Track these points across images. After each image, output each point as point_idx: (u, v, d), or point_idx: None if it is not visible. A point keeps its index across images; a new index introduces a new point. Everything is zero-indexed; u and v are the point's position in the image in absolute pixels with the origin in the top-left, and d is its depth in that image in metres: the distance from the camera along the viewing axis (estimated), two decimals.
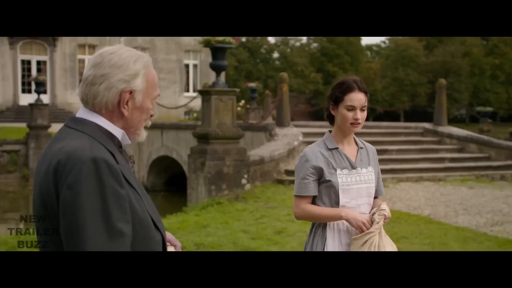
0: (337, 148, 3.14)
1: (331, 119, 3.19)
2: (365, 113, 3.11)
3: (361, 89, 3.07)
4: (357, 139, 3.24)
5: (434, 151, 14.61)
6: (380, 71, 54.55)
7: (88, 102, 1.95)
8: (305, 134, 13.29)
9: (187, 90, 34.05)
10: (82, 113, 1.97)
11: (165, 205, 15.41)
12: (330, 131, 3.23)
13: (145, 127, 2.09)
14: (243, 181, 11.47)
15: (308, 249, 3.18)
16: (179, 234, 8.14)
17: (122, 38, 32.03)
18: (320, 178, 3.10)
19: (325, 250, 3.09)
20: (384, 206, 3.06)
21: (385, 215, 3.03)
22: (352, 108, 3.06)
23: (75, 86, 31.42)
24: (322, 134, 12.27)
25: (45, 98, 29.11)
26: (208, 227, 8.70)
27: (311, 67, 51.74)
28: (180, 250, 2.24)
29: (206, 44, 11.42)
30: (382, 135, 15.15)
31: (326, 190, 3.10)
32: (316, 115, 46.07)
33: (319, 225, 3.16)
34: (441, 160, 14.11)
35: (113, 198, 1.78)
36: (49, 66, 30.96)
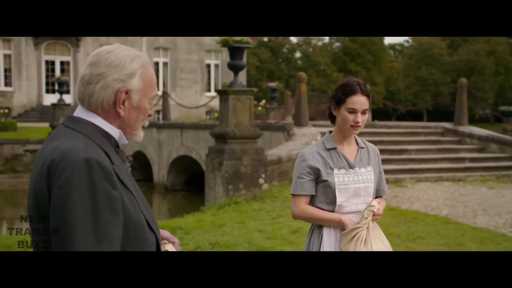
0: (335, 148, 3.16)
1: (333, 119, 3.20)
2: (366, 116, 3.11)
3: (363, 93, 3.07)
4: (358, 139, 3.26)
5: (454, 151, 14.47)
6: (403, 70, 54.14)
7: (85, 101, 1.95)
8: (323, 134, 13.25)
9: (209, 90, 34.17)
10: (79, 112, 1.96)
11: (184, 205, 15.50)
12: (330, 132, 3.25)
13: (143, 127, 2.09)
14: (261, 180, 11.48)
15: (305, 248, 3.23)
16: (195, 233, 8.18)
17: (144, 38, 32.27)
18: (318, 178, 3.13)
19: (321, 249, 3.12)
20: (374, 202, 3.10)
21: (373, 211, 3.06)
22: (353, 111, 3.07)
23: None
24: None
25: (69, 98, 29.48)
26: (224, 226, 8.73)
27: (333, 66, 51.54)
28: (179, 246, 2.22)
29: (224, 44, 11.45)
30: (402, 135, 15.05)
31: (323, 189, 3.13)
32: None
33: (315, 224, 3.21)
34: (461, 160, 13.97)
35: (105, 200, 1.77)
36: (72, 67, 31.30)
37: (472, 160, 14.05)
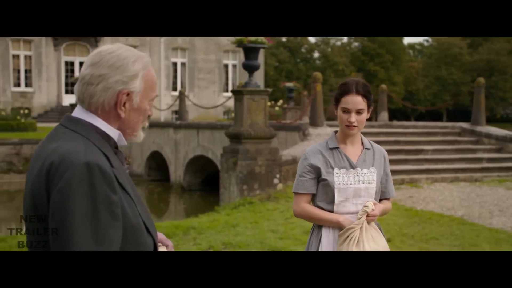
0: (338, 147, 3.17)
1: None
2: (362, 116, 3.10)
3: (359, 92, 3.07)
4: (365, 140, 3.25)
5: (471, 151, 14.33)
6: (422, 70, 53.80)
7: (85, 101, 1.93)
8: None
9: (226, 90, 34.22)
10: (78, 112, 1.95)
11: (200, 205, 15.54)
12: (335, 132, 3.24)
13: (143, 128, 2.07)
14: (275, 181, 11.48)
15: (305, 248, 3.26)
16: (208, 233, 8.20)
17: (163, 39, 32.42)
18: (319, 176, 3.14)
19: (319, 249, 3.14)
20: (368, 203, 3.08)
21: (367, 212, 3.05)
22: (346, 111, 3.08)
23: None
24: None
25: None
26: (238, 226, 8.73)
27: (351, 66, 51.36)
28: (172, 249, 2.22)
29: (239, 44, 11.48)
30: (418, 135, 14.94)
31: (323, 188, 3.14)
32: None
33: (316, 224, 3.22)
34: (479, 160, 13.83)
35: (104, 204, 1.76)
36: None
37: (490, 160, 13.91)
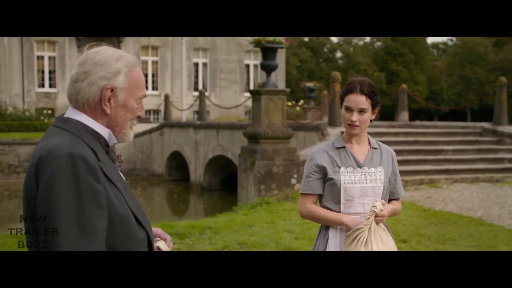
0: (344, 147, 3.15)
1: None
2: (365, 116, 3.07)
3: (362, 92, 3.05)
4: (372, 139, 3.23)
5: (492, 151, 14.16)
6: (446, 69, 53.26)
7: (72, 99, 2.01)
8: None
9: (248, 90, 34.25)
10: (69, 112, 2.02)
11: (220, 204, 15.57)
12: (342, 132, 3.23)
13: (131, 127, 2.11)
14: (293, 181, 11.46)
15: (312, 248, 3.23)
16: (224, 233, 8.21)
17: (184, 39, 32.55)
18: (325, 176, 3.13)
19: (326, 250, 3.12)
20: (376, 203, 3.05)
21: (375, 212, 3.02)
22: (349, 109, 3.07)
23: None
24: (375, 134, 12.04)
25: None
26: (254, 226, 8.74)
27: (374, 66, 51.05)
28: (171, 243, 2.24)
29: (256, 44, 11.48)
30: (438, 135, 14.81)
31: (330, 188, 3.12)
32: (380, 114, 45.46)
33: (323, 225, 3.20)
34: (500, 160, 13.66)
35: (89, 193, 1.81)
36: None
37: (511, 160, 13.72)
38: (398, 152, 13.07)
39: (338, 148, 3.15)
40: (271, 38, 11.19)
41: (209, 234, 8.14)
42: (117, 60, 2.01)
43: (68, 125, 1.97)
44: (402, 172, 12.14)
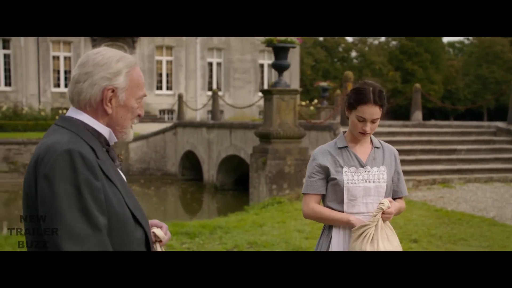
0: (347, 147, 3.15)
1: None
2: (376, 124, 3.07)
3: (376, 103, 3.01)
4: (374, 139, 3.23)
5: (507, 151, 14.01)
6: (463, 68, 52.86)
7: (74, 100, 2.04)
8: None
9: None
10: (70, 112, 2.06)
11: (233, 204, 15.57)
12: (344, 132, 3.23)
13: (131, 126, 2.14)
14: (304, 180, 11.44)
15: (315, 248, 3.23)
16: (235, 233, 8.22)
17: (198, 39, 32.62)
18: (328, 176, 3.12)
19: (329, 249, 3.12)
20: (384, 200, 3.05)
21: (382, 209, 3.01)
22: (362, 120, 3.04)
23: (153, 86, 32.26)
24: (388, 133, 11.99)
25: None
26: (264, 226, 8.74)
27: (389, 65, 50.81)
28: (167, 230, 2.24)
29: (268, 44, 11.48)
30: (452, 135, 14.69)
31: (333, 188, 3.12)
32: (395, 114, 45.22)
33: (327, 225, 3.20)
34: None
35: (87, 188, 1.84)
36: None
37: None
38: (411, 151, 13.02)
39: (340, 148, 3.14)
40: (282, 38, 11.18)
41: (220, 234, 8.15)
42: (118, 61, 2.04)
43: (69, 124, 2.00)
44: (415, 172, 12.08)
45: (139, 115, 2.13)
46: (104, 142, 2.05)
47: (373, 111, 3.01)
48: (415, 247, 7.19)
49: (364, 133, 3.06)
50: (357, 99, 3.03)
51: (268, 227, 8.66)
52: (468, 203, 10.34)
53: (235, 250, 7.27)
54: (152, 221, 2.25)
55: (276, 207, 10.45)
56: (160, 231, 2.19)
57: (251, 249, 7.29)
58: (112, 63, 2.02)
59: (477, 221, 8.81)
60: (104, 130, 2.05)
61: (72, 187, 1.82)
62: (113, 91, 2.01)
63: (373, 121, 3.04)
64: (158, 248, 2.14)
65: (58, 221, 1.80)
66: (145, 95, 2.14)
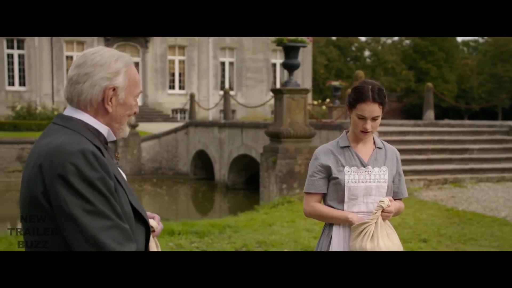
0: (349, 146, 3.15)
1: None
2: (377, 122, 3.07)
3: (375, 100, 3.01)
4: (377, 139, 3.23)
5: None
6: (477, 67, 52.49)
7: (74, 100, 2.05)
8: (381, 133, 13.04)
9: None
10: (69, 111, 2.07)
11: (245, 203, 15.58)
12: (347, 131, 3.22)
13: (128, 123, 2.18)
14: None
15: (315, 248, 3.24)
16: (244, 232, 8.22)
17: (211, 39, 32.69)
18: (329, 176, 3.13)
19: (330, 249, 3.13)
20: (384, 198, 3.05)
21: (382, 207, 3.02)
22: (362, 118, 3.05)
23: (166, 86, 32.37)
24: (399, 133, 11.91)
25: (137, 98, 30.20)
26: (274, 225, 8.74)
27: (402, 64, 50.57)
28: (160, 222, 2.28)
29: (279, 43, 11.48)
30: (464, 134, 14.59)
31: (334, 187, 3.12)
32: (408, 113, 45.03)
33: (327, 224, 3.21)
34: None
35: (104, 187, 1.87)
36: (141, 67, 32.10)
37: None
38: (422, 151, 12.96)
39: (342, 148, 3.15)
40: (293, 37, 11.16)
41: (229, 233, 8.16)
42: (117, 60, 2.06)
43: (71, 124, 2.02)
44: (426, 171, 12.03)
45: (135, 113, 2.16)
46: (104, 141, 2.07)
47: (372, 108, 3.01)
48: (424, 247, 7.16)
49: (365, 132, 3.06)
50: (356, 97, 3.04)
51: (278, 226, 8.66)
52: (479, 202, 10.27)
53: (244, 249, 7.27)
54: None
55: (286, 206, 10.45)
56: (153, 221, 2.23)
57: (260, 249, 7.29)
58: (111, 62, 2.04)
59: (488, 221, 8.74)
60: (103, 129, 2.07)
61: (91, 183, 1.84)
62: (113, 90, 2.04)
63: (373, 119, 3.04)
64: (151, 238, 2.17)
65: (88, 216, 1.82)
66: (141, 92, 2.18)
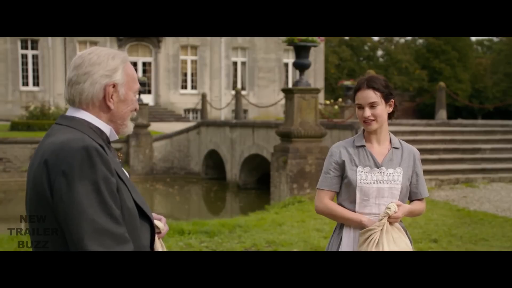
0: (364, 146, 3.12)
1: None
2: (378, 110, 3.03)
3: (369, 86, 3.02)
4: (394, 139, 3.18)
5: None
6: (491, 66, 52.08)
7: (75, 100, 2.08)
8: (393, 133, 12.93)
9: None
10: (71, 111, 2.10)
11: (256, 203, 15.58)
12: (364, 130, 3.20)
13: (131, 119, 2.20)
14: None
15: (326, 248, 3.24)
16: (254, 232, 8.23)
17: (223, 38, 32.71)
18: (343, 174, 3.11)
19: (339, 249, 3.11)
20: (390, 205, 3.01)
21: (388, 213, 2.98)
22: (360, 107, 3.05)
23: (178, 86, 32.44)
24: (411, 133, 11.87)
25: (149, 98, 30.37)
26: (284, 225, 8.74)
27: (415, 64, 50.28)
28: (166, 224, 2.29)
29: (289, 43, 11.46)
30: (476, 134, 14.50)
31: (346, 186, 3.10)
32: (421, 113, 44.78)
33: (338, 224, 3.19)
34: None
35: (105, 184, 1.89)
36: (153, 67, 32.20)
37: None
38: (434, 151, 12.89)
39: (358, 147, 3.12)
40: (303, 37, 11.14)
41: (239, 233, 8.17)
42: (113, 58, 2.09)
43: (73, 123, 2.04)
44: (438, 171, 11.96)
45: (135, 109, 2.18)
46: (106, 140, 2.09)
47: (367, 94, 3.01)
48: (434, 247, 7.13)
49: (367, 121, 3.03)
50: (354, 89, 3.10)
51: (288, 226, 8.66)
52: (491, 202, 10.21)
53: (254, 249, 7.28)
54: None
55: (296, 206, 10.44)
56: (160, 223, 2.24)
57: (269, 248, 7.29)
58: (109, 60, 2.07)
59: (499, 221, 8.69)
60: (105, 128, 2.09)
61: (91, 183, 1.86)
62: (113, 86, 2.07)
63: (371, 107, 3.02)
64: (157, 239, 2.17)
65: (80, 217, 1.84)
66: (139, 87, 2.22)
